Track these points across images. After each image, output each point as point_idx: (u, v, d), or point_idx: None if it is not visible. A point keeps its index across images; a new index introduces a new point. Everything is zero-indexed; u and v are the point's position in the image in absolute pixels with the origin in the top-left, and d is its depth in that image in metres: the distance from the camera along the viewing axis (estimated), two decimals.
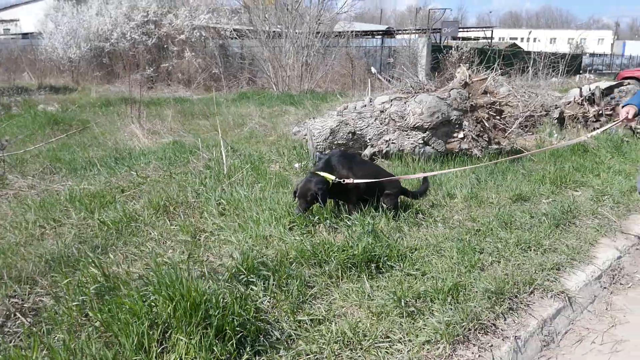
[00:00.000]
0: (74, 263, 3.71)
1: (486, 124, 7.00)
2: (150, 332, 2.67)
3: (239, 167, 6.16)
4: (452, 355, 2.83)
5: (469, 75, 7.28)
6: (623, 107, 3.95)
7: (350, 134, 6.55)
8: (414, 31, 29.88)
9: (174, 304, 2.77)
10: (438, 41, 29.64)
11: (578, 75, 27.92)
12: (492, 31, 36.97)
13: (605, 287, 4.03)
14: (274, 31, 19.30)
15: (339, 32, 21.31)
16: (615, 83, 10.43)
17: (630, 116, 3.80)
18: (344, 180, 4.48)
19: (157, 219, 4.69)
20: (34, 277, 3.51)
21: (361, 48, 26.05)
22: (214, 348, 2.63)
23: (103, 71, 22.14)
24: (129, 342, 2.59)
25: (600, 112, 9.84)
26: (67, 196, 5.15)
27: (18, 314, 3.08)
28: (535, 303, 3.47)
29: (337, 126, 6.51)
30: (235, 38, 23.59)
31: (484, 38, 38.99)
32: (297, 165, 6.71)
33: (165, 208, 4.88)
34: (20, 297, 3.28)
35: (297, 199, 4.49)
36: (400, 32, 33.69)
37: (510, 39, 64.79)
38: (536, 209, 5.19)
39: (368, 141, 6.65)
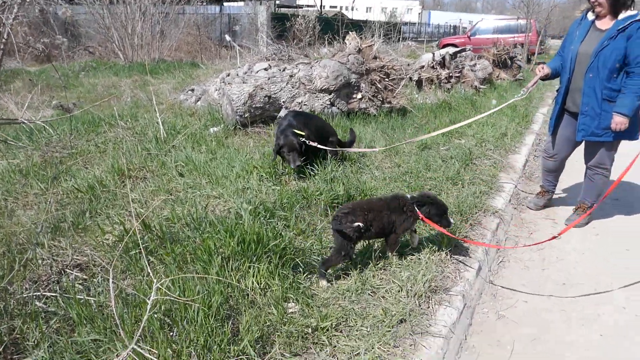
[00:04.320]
0: (76, 226, 3.85)
1: (379, 86, 7.96)
2: (228, 263, 3.10)
3: (171, 132, 6.35)
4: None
5: (359, 42, 8.14)
6: (539, 63, 4.88)
7: (266, 98, 7.04)
8: None
9: (236, 238, 3.21)
10: (273, 9, 30.24)
11: (402, 43, 30.56)
12: (321, 0, 38.69)
13: (515, 207, 5.21)
14: None
15: None
16: (459, 49, 12.16)
17: (542, 74, 4.69)
18: (309, 142, 5.00)
19: (122, 183, 4.84)
20: (43, 242, 3.59)
21: (199, 15, 25.78)
22: (282, 272, 3.15)
23: None
24: (212, 270, 3.00)
25: (450, 74, 11.46)
26: (11, 169, 5.00)
27: (69, 270, 3.25)
28: (483, 220, 4.48)
29: (253, 91, 6.95)
30: (65, 3, 21.88)
31: (307, 6, 40.56)
32: (213, 129, 7.02)
33: (128, 173, 5.02)
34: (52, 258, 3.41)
35: (289, 153, 4.82)
36: None
37: (331, 7, 67.13)
38: (441, 154, 6.25)
39: (282, 104, 7.21)
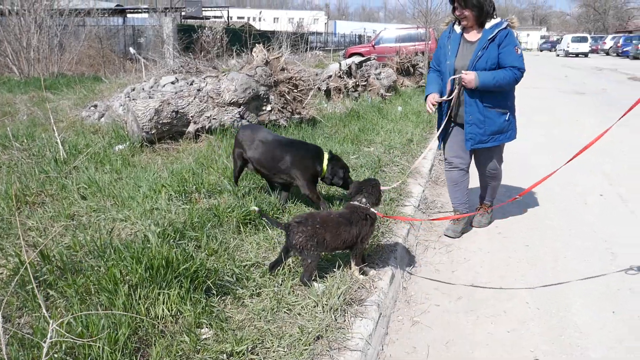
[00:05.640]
0: None
1: (288, 97, 7.98)
2: (136, 292, 2.95)
3: (72, 152, 6.02)
4: None
5: (266, 54, 8.12)
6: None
7: (174, 113, 6.84)
8: (146, 9, 29.09)
9: (143, 264, 3.07)
10: (179, 21, 29.58)
11: (310, 53, 30.86)
12: (228, 11, 38.37)
13: (424, 212, 5.38)
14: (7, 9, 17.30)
15: (75, 10, 19.93)
16: (365, 59, 12.47)
17: (435, 106, 4.61)
18: None
19: (18, 210, 4.52)
20: None
21: (101, 27, 24.76)
22: (194, 296, 3.05)
23: None
24: (119, 301, 2.85)
25: (357, 83, 11.71)
26: None
27: None
28: (394, 227, 4.58)
29: (160, 106, 6.73)
30: None
31: (214, 17, 40.11)
32: (118, 147, 6.73)
33: (24, 199, 4.69)
34: None
35: (345, 173, 4.76)
36: (134, 10, 32.33)
37: (238, 18, 66.58)
38: (351, 163, 6.33)
39: (191, 118, 7.04)
